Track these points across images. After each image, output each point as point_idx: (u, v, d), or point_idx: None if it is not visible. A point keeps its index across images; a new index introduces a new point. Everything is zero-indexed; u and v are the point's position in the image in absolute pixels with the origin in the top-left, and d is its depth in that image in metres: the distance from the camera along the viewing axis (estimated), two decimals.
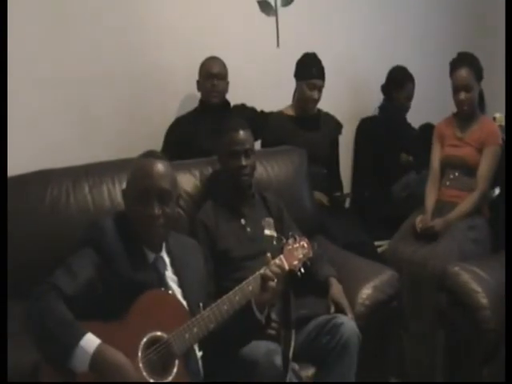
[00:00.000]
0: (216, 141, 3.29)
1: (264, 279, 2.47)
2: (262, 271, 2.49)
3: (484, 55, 4.09)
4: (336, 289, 3.10)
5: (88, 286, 2.27)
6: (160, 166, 2.44)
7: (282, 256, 2.60)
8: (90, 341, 2.14)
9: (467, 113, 3.99)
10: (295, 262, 2.63)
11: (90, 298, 2.26)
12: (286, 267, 2.58)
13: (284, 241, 2.68)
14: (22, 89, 3.79)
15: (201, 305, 2.48)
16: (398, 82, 4.84)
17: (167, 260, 2.53)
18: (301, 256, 2.68)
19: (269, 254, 2.58)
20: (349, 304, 3.04)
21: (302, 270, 2.66)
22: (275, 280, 2.47)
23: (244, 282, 2.47)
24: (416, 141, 4.90)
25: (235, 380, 2.48)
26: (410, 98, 4.88)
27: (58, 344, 2.13)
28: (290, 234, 2.75)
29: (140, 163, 2.48)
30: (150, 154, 2.53)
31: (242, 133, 3.17)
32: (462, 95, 3.92)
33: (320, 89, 4.28)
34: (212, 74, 4.21)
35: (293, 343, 2.44)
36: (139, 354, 2.23)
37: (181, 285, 2.52)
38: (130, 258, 2.38)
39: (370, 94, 5.13)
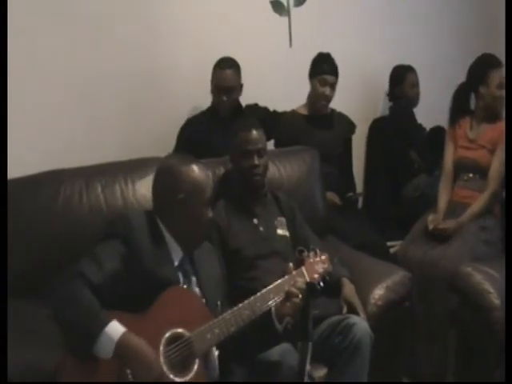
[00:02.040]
0: (228, 141, 3.28)
1: (289, 296, 2.48)
2: (286, 287, 2.49)
3: (498, 55, 4.07)
4: (348, 289, 3.10)
5: (113, 277, 2.28)
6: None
7: (303, 268, 2.63)
8: (116, 328, 2.15)
9: (480, 116, 4.00)
10: (315, 276, 2.65)
11: (113, 289, 2.27)
12: (307, 279, 2.60)
13: (306, 253, 2.69)
14: (34, 89, 3.81)
15: (219, 303, 2.52)
16: (398, 78, 4.91)
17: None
18: (321, 270, 2.70)
19: (291, 264, 2.60)
20: (361, 304, 3.04)
21: (322, 284, 2.67)
22: (300, 296, 2.48)
23: (265, 290, 2.48)
24: (426, 142, 4.90)
25: (250, 380, 2.49)
26: (414, 84, 4.92)
27: (84, 330, 2.14)
28: (311, 247, 2.76)
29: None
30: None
31: (254, 132, 3.17)
32: (501, 92, 3.88)
33: (332, 86, 4.27)
34: (222, 89, 4.15)
35: (309, 356, 2.46)
36: (161, 348, 2.24)
37: (199, 284, 2.54)
38: (156, 254, 2.40)
39: (382, 94, 5.14)
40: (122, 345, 2.13)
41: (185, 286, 2.48)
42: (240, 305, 2.42)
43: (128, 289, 2.30)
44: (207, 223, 2.56)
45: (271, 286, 2.50)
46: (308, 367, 2.74)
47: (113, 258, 2.31)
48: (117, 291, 2.28)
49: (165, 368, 2.23)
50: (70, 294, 2.18)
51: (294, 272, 2.56)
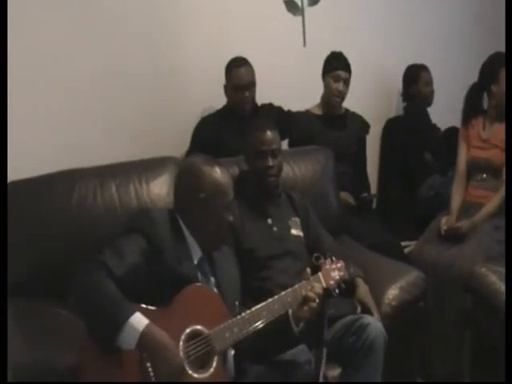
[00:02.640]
0: (243, 141, 3.28)
1: (306, 300, 2.49)
2: (303, 291, 2.51)
3: None
4: (362, 289, 3.09)
5: (134, 271, 2.29)
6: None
7: (320, 274, 2.65)
8: (139, 319, 2.16)
9: (492, 115, 3.97)
10: (331, 282, 2.68)
11: (134, 283, 2.28)
12: (324, 285, 2.62)
13: (322, 260, 2.72)
14: (48, 89, 3.82)
15: (236, 303, 2.54)
16: (412, 77, 4.91)
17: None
18: (337, 277, 2.72)
19: (308, 270, 2.61)
20: (375, 304, 3.04)
21: (337, 291, 2.69)
22: (317, 301, 2.50)
23: (283, 293, 2.49)
24: (441, 142, 4.89)
25: (264, 379, 2.49)
26: (428, 83, 4.91)
27: (107, 319, 2.15)
28: (328, 254, 2.77)
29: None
30: None
31: (269, 133, 3.16)
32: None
33: (345, 81, 4.25)
34: (242, 86, 4.15)
35: (324, 361, 2.46)
36: (180, 343, 2.25)
37: (217, 285, 2.56)
38: (177, 252, 2.42)
39: (396, 94, 5.13)
40: (145, 336, 2.14)
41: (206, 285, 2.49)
42: (258, 305, 2.43)
43: (148, 284, 2.32)
44: (227, 226, 2.59)
45: (289, 290, 2.51)
46: (323, 371, 2.76)
47: (135, 252, 2.33)
48: (137, 286, 2.29)
49: (184, 364, 2.24)
50: (93, 284, 2.19)
51: (311, 277, 2.58)
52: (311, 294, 2.50)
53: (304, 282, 2.55)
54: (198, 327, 2.31)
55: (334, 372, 2.86)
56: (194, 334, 2.30)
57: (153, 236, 2.39)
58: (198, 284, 2.44)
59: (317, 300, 2.50)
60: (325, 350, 2.38)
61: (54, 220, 2.99)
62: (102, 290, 2.18)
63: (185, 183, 2.55)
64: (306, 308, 2.48)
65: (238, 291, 2.66)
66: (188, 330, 2.29)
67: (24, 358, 2.41)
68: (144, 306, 2.24)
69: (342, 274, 2.75)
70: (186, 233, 2.50)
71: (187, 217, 2.51)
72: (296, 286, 2.53)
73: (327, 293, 2.63)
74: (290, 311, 2.48)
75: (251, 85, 4.18)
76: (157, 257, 2.36)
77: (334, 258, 2.76)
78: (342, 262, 2.80)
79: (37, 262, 2.92)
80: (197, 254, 2.51)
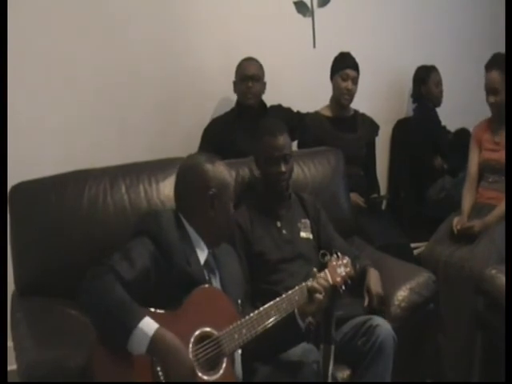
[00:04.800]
0: (253, 142, 3.28)
1: (311, 291, 2.52)
2: (309, 283, 2.54)
3: None
4: (373, 275, 3.09)
5: (143, 274, 2.30)
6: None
7: (326, 271, 2.67)
8: (149, 323, 2.16)
9: (498, 116, 3.95)
10: (338, 279, 2.69)
11: (143, 286, 2.29)
12: (330, 281, 2.63)
13: (328, 257, 2.73)
14: (61, 91, 3.84)
15: (239, 301, 2.54)
16: (422, 78, 4.92)
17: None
18: (344, 274, 2.73)
19: (315, 269, 2.64)
20: (382, 291, 3.04)
21: (344, 287, 2.70)
22: (322, 293, 2.52)
23: (291, 292, 2.51)
24: (451, 144, 4.88)
25: (272, 379, 2.49)
26: (437, 84, 4.91)
27: (118, 324, 2.15)
28: (334, 250, 2.79)
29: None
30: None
31: (280, 138, 3.10)
32: (491, 98, 3.89)
33: (354, 80, 4.24)
34: (247, 76, 4.21)
35: (332, 358, 2.45)
36: (190, 346, 2.26)
37: (221, 283, 2.57)
38: (185, 253, 2.43)
39: (406, 95, 5.13)
40: (156, 340, 2.14)
41: (212, 285, 2.50)
42: (266, 305, 2.44)
43: (157, 287, 2.32)
44: (233, 218, 2.68)
45: (296, 288, 2.53)
46: (331, 369, 2.76)
47: (144, 255, 2.33)
48: (147, 289, 2.29)
49: (194, 366, 2.24)
50: (102, 289, 2.19)
51: (318, 275, 2.60)
52: (316, 285, 2.52)
53: (311, 279, 2.57)
54: (208, 329, 2.32)
55: (344, 373, 2.86)
56: (204, 336, 2.30)
57: (161, 238, 2.40)
58: (207, 285, 2.44)
59: (322, 292, 2.51)
60: (333, 348, 2.37)
61: (65, 220, 2.99)
62: (110, 295, 2.18)
63: (190, 183, 2.56)
64: (311, 302, 2.50)
65: (241, 288, 2.68)
66: (197, 333, 2.30)
67: (36, 358, 2.41)
68: (153, 309, 2.24)
69: (348, 270, 2.75)
70: (191, 232, 2.51)
71: (193, 215, 2.52)
72: (303, 283, 2.55)
73: (335, 290, 2.63)
74: (296, 308, 2.50)
75: (256, 77, 4.22)
76: (166, 259, 2.37)
77: (339, 254, 2.76)
78: (347, 258, 2.80)
79: (47, 262, 2.92)
80: (203, 252, 2.52)
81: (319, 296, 2.51)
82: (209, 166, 2.54)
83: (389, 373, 2.80)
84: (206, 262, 2.52)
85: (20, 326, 2.68)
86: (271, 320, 2.42)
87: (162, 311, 2.26)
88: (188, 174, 2.58)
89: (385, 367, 2.80)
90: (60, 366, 2.34)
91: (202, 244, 2.52)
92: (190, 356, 2.24)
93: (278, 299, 2.47)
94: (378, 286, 3.06)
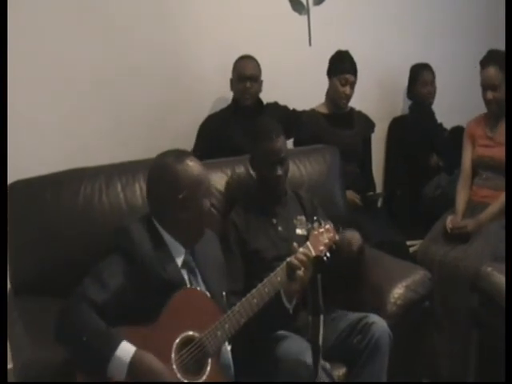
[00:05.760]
0: (249, 138, 3.27)
1: (290, 268, 2.49)
2: (288, 260, 2.51)
3: None
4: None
5: (119, 293, 2.28)
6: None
7: (308, 243, 2.62)
8: (126, 349, 2.15)
9: (495, 112, 3.95)
10: (321, 248, 2.64)
11: (121, 303, 2.27)
12: (313, 253, 2.58)
13: (309, 226, 2.70)
14: (58, 88, 3.84)
15: (224, 294, 2.53)
16: (415, 76, 4.89)
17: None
18: (326, 241, 2.69)
19: (295, 244, 2.60)
20: None
21: (328, 254, 2.65)
22: (302, 268, 2.49)
23: (272, 274, 2.49)
24: (447, 142, 4.88)
25: (266, 378, 2.49)
26: (427, 82, 4.91)
27: (94, 356, 2.15)
28: (315, 218, 2.76)
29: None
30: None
31: (276, 142, 3.07)
32: (489, 94, 3.88)
33: (352, 85, 4.27)
34: (245, 77, 4.20)
35: (322, 329, 2.43)
36: (172, 355, 2.25)
37: (203, 278, 2.54)
38: (160, 260, 2.40)
39: (401, 92, 5.13)
40: (134, 365, 2.14)
41: (192, 285, 2.48)
42: (248, 295, 2.42)
43: (136, 300, 2.30)
44: (207, 213, 2.57)
45: (277, 269, 2.50)
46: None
47: (116, 274, 2.31)
48: (125, 304, 2.27)
49: (179, 375, 2.23)
50: (76, 321, 2.19)
51: (299, 249, 2.56)
52: (294, 261, 2.49)
53: (293, 256, 2.53)
54: (190, 333, 2.31)
55: (340, 371, 2.85)
56: (186, 341, 2.29)
57: (134, 254, 2.37)
58: (185, 288, 2.42)
59: (301, 267, 2.48)
60: (321, 318, 2.34)
61: (61, 219, 2.99)
62: (85, 328, 2.17)
63: (160, 188, 2.50)
64: (294, 280, 2.47)
65: (224, 281, 2.64)
66: (179, 339, 2.28)
67: (31, 357, 2.42)
68: (131, 326, 2.23)
69: (330, 235, 2.71)
70: (166, 236, 2.48)
71: (166, 218, 2.48)
72: (284, 262, 2.51)
73: (318, 260, 2.55)
74: (282, 289, 2.48)
75: (254, 77, 4.22)
76: (140, 273, 2.34)
77: (322, 221, 2.72)
78: (329, 223, 2.76)
79: (43, 260, 2.92)
80: (179, 254, 2.49)
81: (300, 272, 2.48)
82: (178, 167, 2.46)
83: (385, 370, 2.80)
84: (185, 262, 2.49)
85: (16, 325, 2.67)
86: (254, 308, 2.40)
87: (141, 326, 2.24)
88: (158, 177, 2.51)
89: (381, 365, 2.80)
90: (55, 366, 2.34)
91: (179, 245, 2.49)
92: (174, 366, 2.23)
93: (259, 285, 2.44)
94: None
